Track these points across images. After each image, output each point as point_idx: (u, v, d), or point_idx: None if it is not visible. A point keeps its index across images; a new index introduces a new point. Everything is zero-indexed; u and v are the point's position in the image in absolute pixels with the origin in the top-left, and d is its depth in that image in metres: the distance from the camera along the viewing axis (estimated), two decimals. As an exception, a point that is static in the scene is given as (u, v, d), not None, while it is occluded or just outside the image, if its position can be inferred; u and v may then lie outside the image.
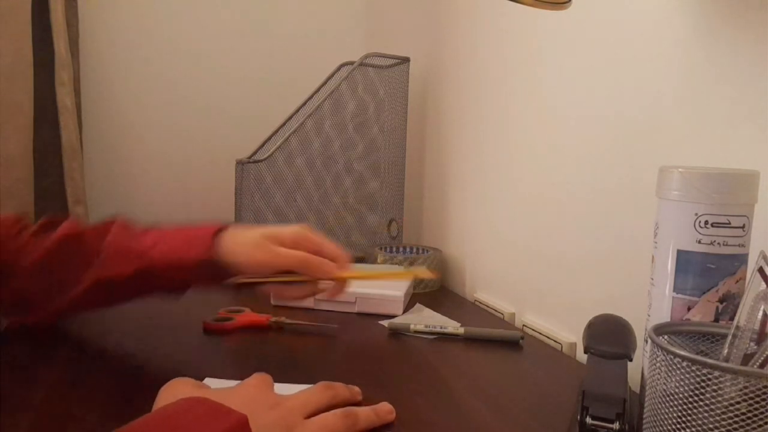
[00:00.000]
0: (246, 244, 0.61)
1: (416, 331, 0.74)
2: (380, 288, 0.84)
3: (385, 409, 0.50)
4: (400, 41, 1.26)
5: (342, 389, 0.52)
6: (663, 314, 0.47)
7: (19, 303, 0.66)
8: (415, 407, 0.54)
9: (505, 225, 0.90)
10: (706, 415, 0.37)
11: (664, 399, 0.39)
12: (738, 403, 0.36)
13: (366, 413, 0.49)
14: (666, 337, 0.45)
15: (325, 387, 0.51)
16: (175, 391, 0.45)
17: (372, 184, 1.10)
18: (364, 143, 1.09)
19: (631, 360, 0.53)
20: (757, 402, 0.35)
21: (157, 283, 0.64)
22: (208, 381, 0.56)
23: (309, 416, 0.46)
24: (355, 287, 0.80)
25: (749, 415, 0.35)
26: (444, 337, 0.73)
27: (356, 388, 0.54)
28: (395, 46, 1.22)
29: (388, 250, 1.04)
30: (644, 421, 0.42)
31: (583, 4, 0.68)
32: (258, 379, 0.50)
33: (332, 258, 0.63)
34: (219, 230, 0.62)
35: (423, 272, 0.69)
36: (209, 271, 0.61)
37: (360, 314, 0.82)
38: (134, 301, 0.67)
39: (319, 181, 1.05)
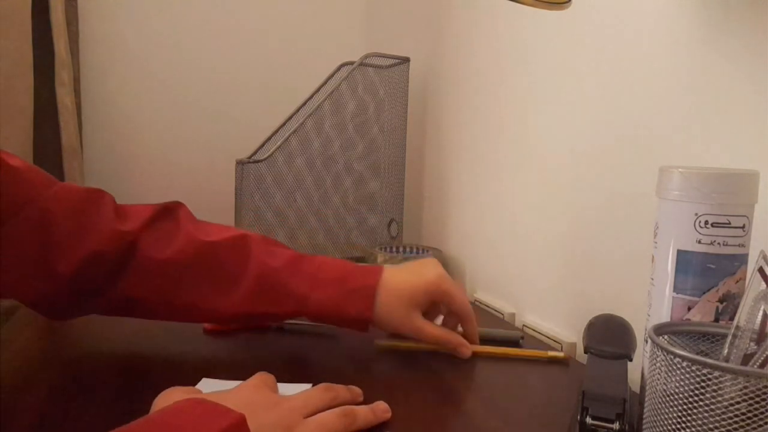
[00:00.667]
0: (395, 313, 0.63)
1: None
2: None
3: (381, 408, 0.51)
4: (400, 41, 1.26)
5: (343, 390, 0.52)
6: (663, 314, 0.47)
7: (137, 299, 0.60)
8: (415, 407, 0.54)
9: (505, 225, 0.90)
10: (706, 415, 0.37)
11: (664, 399, 0.39)
12: (738, 403, 0.36)
13: (364, 412, 0.49)
14: (666, 337, 0.45)
15: (325, 388, 0.51)
16: (170, 399, 0.44)
17: (372, 184, 1.10)
18: (364, 143, 1.09)
19: (631, 360, 0.53)
20: (757, 402, 0.35)
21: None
22: (206, 381, 0.56)
23: (308, 416, 0.46)
24: None
25: (749, 415, 0.35)
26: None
27: (357, 389, 0.54)
28: (395, 46, 1.22)
29: (388, 250, 1.05)
30: (644, 421, 0.42)
31: (583, 4, 0.68)
32: (258, 378, 0.50)
33: (463, 315, 0.66)
34: (376, 285, 0.62)
35: (556, 354, 0.65)
36: (361, 326, 0.64)
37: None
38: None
39: (319, 181, 1.05)
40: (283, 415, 0.44)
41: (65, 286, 0.57)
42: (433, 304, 0.66)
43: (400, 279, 0.63)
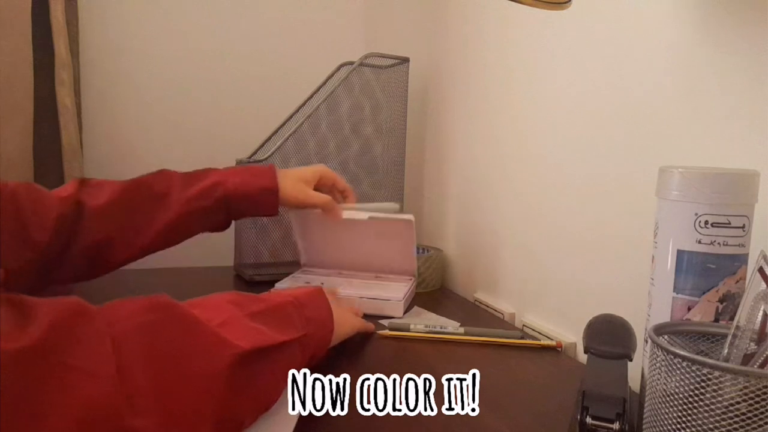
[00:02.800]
0: (294, 186, 0.84)
1: (416, 331, 0.74)
2: (380, 290, 0.86)
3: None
4: (400, 41, 1.26)
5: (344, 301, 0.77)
6: (663, 314, 0.47)
7: (102, 243, 0.69)
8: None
9: (505, 225, 0.90)
10: (706, 415, 0.37)
11: (664, 399, 0.39)
12: (738, 403, 0.36)
13: (368, 325, 0.73)
14: (666, 337, 0.45)
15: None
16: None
17: (371, 184, 1.10)
18: (364, 143, 1.09)
19: (631, 360, 0.53)
20: (757, 402, 0.35)
21: (231, 212, 0.79)
22: None
23: None
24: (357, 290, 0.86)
25: (749, 415, 0.35)
26: (444, 337, 0.73)
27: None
28: (395, 46, 1.22)
29: (388, 250, 1.04)
30: (644, 421, 0.42)
31: (583, 4, 0.68)
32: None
33: (343, 191, 0.91)
34: (275, 169, 0.83)
35: (548, 342, 0.72)
36: (270, 199, 0.80)
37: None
38: (202, 231, 0.80)
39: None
40: (335, 306, 0.64)
41: (43, 251, 0.63)
42: (321, 184, 0.88)
43: (293, 169, 0.87)
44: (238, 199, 0.78)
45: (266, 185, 0.81)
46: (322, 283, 0.88)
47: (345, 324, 0.67)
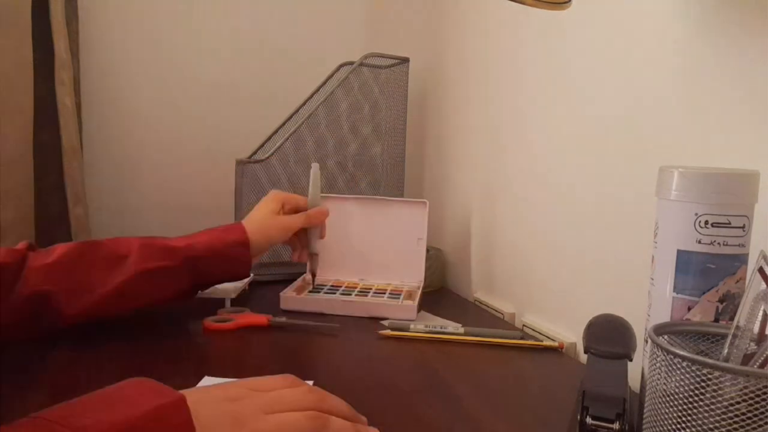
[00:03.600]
0: (263, 222, 0.79)
1: (416, 331, 0.74)
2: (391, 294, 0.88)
3: (370, 429, 0.46)
4: (400, 41, 1.26)
5: (335, 399, 0.46)
6: (663, 314, 0.47)
7: (44, 296, 0.65)
8: (415, 407, 0.54)
9: (505, 225, 0.90)
10: (706, 415, 0.37)
11: (664, 399, 0.39)
12: (738, 403, 0.36)
13: (342, 425, 0.43)
14: (666, 337, 0.45)
15: (310, 390, 0.45)
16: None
17: (371, 184, 1.10)
18: (363, 143, 1.09)
19: (631, 360, 0.53)
20: (757, 402, 0.35)
21: (201, 274, 0.73)
22: (207, 380, 0.56)
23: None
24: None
25: (749, 415, 0.35)
26: (444, 337, 0.73)
27: (363, 418, 0.47)
28: (395, 46, 1.22)
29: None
30: (644, 421, 0.42)
31: (582, 4, 0.68)
32: (269, 378, 0.47)
33: (304, 205, 0.86)
34: (239, 222, 0.78)
35: (550, 343, 0.71)
36: (241, 253, 0.75)
37: (364, 316, 0.83)
38: (165, 299, 0.72)
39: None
40: (237, 409, 0.41)
41: None
42: (289, 207, 0.84)
43: (252, 212, 0.82)
44: (205, 259, 0.73)
45: (236, 238, 0.75)
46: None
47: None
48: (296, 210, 0.85)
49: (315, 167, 0.88)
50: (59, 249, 0.68)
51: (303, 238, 0.87)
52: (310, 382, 0.54)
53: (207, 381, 0.57)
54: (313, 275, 0.89)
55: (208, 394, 0.42)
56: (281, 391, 0.44)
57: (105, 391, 0.39)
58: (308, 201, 0.87)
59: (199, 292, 0.78)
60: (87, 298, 0.67)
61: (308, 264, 0.89)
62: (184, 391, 0.40)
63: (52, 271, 0.65)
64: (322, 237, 0.88)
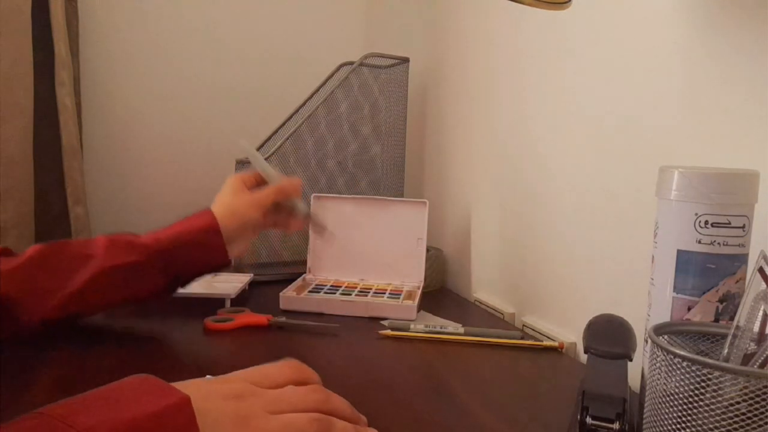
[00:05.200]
0: (231, 203, 0.73)
1: (416, 331, 0.74)
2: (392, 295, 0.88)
3: (370, 431, 0.46)
4: (400, 41, 1.26)
5: (338, 399, 0.46)
6: (663, 314, 0.47)
7: (5, 300, 0.62)
8: (415, 407, 0.54)
9: (505, 225, 0.90)
10: (706, 415, 0.37)
11: (664, 399, 0.39)
12: (738, 403, 0.36)
13: (344, 426, 0.43)
14: (666, 337, 0.45)
15: (313, 389, 0.45)
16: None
17: (369, 183, 1.10)
18: (363, 143, 1.09)
19: (631, 360, 0.53)
20: (757, 402, 0.35)
21: (173, 267, 0.67)
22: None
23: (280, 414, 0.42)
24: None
25: (749, 415, 0.35)
26: (444, 337, 0.73)
27: (363, 418, 0.48)
28: (395, 46, 1.22)
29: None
30: (644, 421, 0.42)
31: (582, 4, 0.68)
32: (274, 365, 0.46)
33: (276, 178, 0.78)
34: (208, 209, 0.72)
35: (551, 343, 0.71)
36: (213, 240, 0.69)
37: (364, 316, 0.83)
38: (137, 297, 0.67)
39: (313, 181, 1.05)
40: (242, 407, 0.41)
41: None
42: (254, 185, 0.78)
43: (217, 196, 0.76)
44: (174, 250, 0.67)
45: (203, 224, 0.69)
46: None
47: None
48: (259, 185, 0.78)
49: (243, 143, 0.80)
50: (27, 252, 0.65)
51: (284, 216, 0.78)
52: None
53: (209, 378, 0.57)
54: (324, 228, 0.85)
55: (213, 390, 0.42)
56: (286, 390, 0.44)
57: (109, 388, 0.38)
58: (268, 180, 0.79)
59: (179, 289, 0.72)
60: (49, 301, 0.64)
61: (311, 227, 0.83)
62: (187, 386, 0.39)
63: (14, 275, 0.63)
64: (323, 235, 0.85)
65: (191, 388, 0.40)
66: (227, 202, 0.74)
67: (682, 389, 0.38)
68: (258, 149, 1.09)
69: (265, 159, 1.00)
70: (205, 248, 0.69)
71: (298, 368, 0.47)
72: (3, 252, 0.66)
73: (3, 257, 0.65)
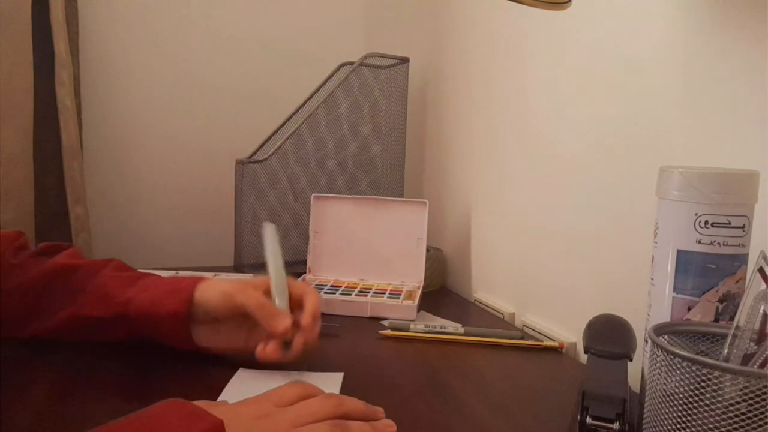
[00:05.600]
0: (222, 282, 0.61)
1: (416, 331, 0.74)
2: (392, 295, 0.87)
3: (385, 424, 0.48)
4: (400, 41, 1.26)
5: (352, 401, 0.48)
6: (663, 314, 0.47)
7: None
8: (415, 407, 0.54)
9: (504, 225, 0.90)
10: (706, 415, 0.37)
11: (664, 399, 0.39)
12: (738, 403, 0.36)
13: (360, 427, 0.45)
14: (666, 337, 0.45)
15: (327, 397, 0.48)
16: None
17: (369, 184, 1.10)
18: (363, 143, 1.09)
19: (631, 360, 0.53)
20: (757, 402, 0.35)
21: (137, 333, 0.62)
22: (242, 373, 0.59)
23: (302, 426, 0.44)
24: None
25: (749, 415, 0.35)
26: (444, 337, 0.73)
27: (379, 408, 0.49)
28: (395, 46, 1.22)
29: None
30: (644, 421, 0.42)
31: (582, 4, 0.68)
32: (283, 388, 0.48)
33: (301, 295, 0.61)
34: (198, 283, 0.61)
35: (550, 343, 0.71)
36: (177, 329, 0.60)
37: (364, 316, 0.83)
38: (113, 342, 0.65)
39: (314, 181, 1.05)
40: (270, 424, 0.43)
41: None
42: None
43: (224, 280, 0.62)
44: (138, 322, 0.61)
45: (173, 309, 0.59)
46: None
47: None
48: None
49: (269, 228, 0.66)
50: (41, 268, 0.64)
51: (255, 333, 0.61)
52: (341, 374, 0.57)
53: (242, 373, 0.58)
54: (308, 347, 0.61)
55: (241, 412, 0.44)
56: (304, 403, 0.47)
57: (143, 414, 0.39)
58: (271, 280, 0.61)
59: None
60: (44, 323, 0.63)
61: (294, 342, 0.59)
62: (216, 408, 0.41)
63: (23, 294, 0.63)
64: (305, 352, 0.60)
65: (220, 410, 0.41)
66: (214, 297, 0.61)
67: (682, 389, 0.38)
68: (258, 149, 1.09)
69: (265, 159, 1.00)
70: (169, 333, 0.61)
71: (303, 386, 0.49)
72: (20, 244, 0.66)
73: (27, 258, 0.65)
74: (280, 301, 0.59)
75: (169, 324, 0.60)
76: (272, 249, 0.62)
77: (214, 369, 0.59)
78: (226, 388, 0.55)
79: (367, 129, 1.09)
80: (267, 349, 0.57)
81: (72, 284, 0.64)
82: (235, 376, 0.58)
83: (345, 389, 0.56)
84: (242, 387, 0.55)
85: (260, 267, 1.00)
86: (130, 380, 0.58)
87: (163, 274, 1.00)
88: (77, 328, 0.63)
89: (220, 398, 0.52)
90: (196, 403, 0.41)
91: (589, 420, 0.44)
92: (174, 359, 0.62)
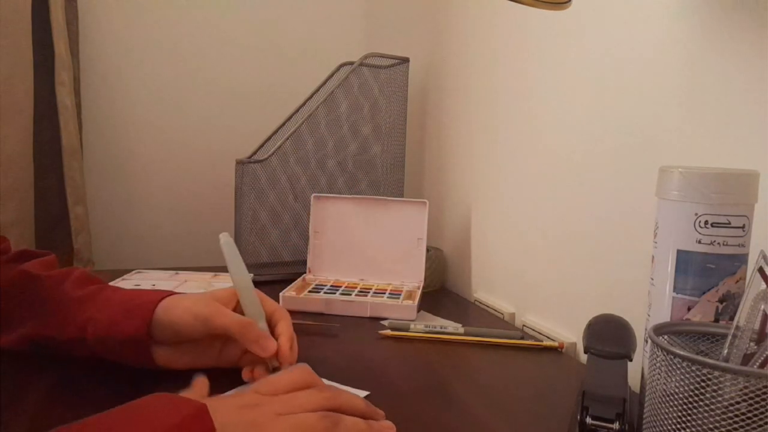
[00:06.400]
0: (188, 300, 0.57)
1: (416, 331, 0.74)
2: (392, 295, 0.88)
3: (385, 424, 0.47)
4: (400, 41, 1.26)
5: (349, 397, 0.47)
6: (663, 314, 0.47)
7: None
8: (415, 407, 0.54)
9: (504, 225, 0.90)
10: (706, 415, 0.37)
11: (664, 399, 0.39)
12: (738, 403, 0.36)
13: (354, 421, 0.44)
14: (666, 337, 0.45)
15: (321, 388, 0.47)
16: None
17: (369, 183, 1.10)
18: (363, 143, 1.09)
19: (631, 360, 0.53)
20: (757, 402, 0.35)
21: (96, 354, 0.58)
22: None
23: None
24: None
25: (749, 415, 0.35)
26: (444, 337, 0.73)
27: (380, 411, 0.48)
28: (395, 46, 1.22)
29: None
30: (644, 421, 0.42)
31: (582, 4, 0.68)
32: (276, 376, 0.47)
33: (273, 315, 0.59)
34: (165, 297, 0.57)
35: (550, 343, 0.71)
36: (136, 350, 0.56)
37: (364, 316, 0.83)
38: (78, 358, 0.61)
39: (314, 181, 1.05)
40: (256, 414, 0.42)
41: None
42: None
43: (187, 297, 0.58)
44: (95, 344, 0.57)
45: (130, 332, 0.55)
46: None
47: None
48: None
49: (224, 237, 0.57)
50: (9, 274, 0.61)
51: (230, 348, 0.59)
52: (363, 393, 0.55)
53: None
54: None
55: (227, 403, 0.43)
56: (294, 393, 0.45)
57: (127, 406, 0.39)
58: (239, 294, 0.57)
59: None
60: (13, 331, 0.61)
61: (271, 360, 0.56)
62: (202, 400, 0.41)
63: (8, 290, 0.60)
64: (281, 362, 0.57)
65: (205, 399, 0.41)
66: (201, 299, 0.58)
67: (682, 389, 0.38)
68: (258, 149, 1.09)
69: (265, 159, 1.00)
70: (128, 356, 0.57)
71: (304, 372, 0.48)
72: (23, 255, 0.64)
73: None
74: (262, 324, 0.56)
75: (127, 348, 0.56)
76: (235, 262, 0.56)
77: (179, 377, 0.58)
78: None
79: (367, 129, 1.09)
80: (255, 374, 0.55)
81: (31, 296, 0.61)
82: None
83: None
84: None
85: (260, 267, 1.01)
86: (122, 387, 0.58)
87: (164, 274, 1.01)
88: (37, 345, 0.60)
89: None
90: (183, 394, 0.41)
91: (589, 420, 0.44)
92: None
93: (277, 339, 0.56)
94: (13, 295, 0.61)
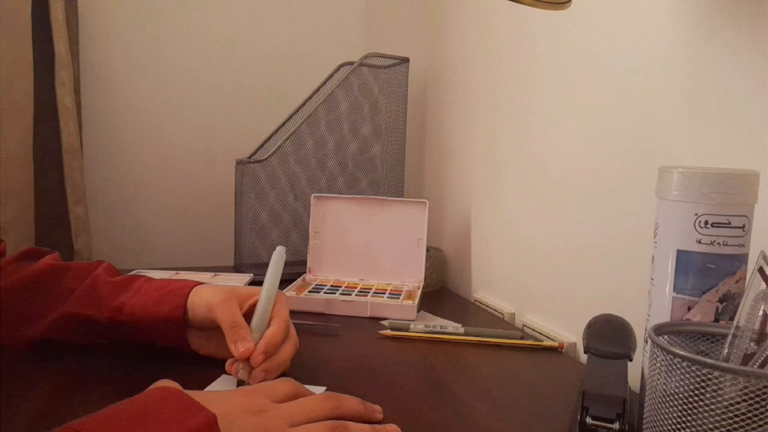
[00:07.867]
0: (210, 289, 0.60)
1: (416, 331, 0.74)
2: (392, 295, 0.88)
3: (389, 428, 0.47)
4: (400, 41, 1.26)
5: (350, 401, 0.48)
6: (663, 314, 0.47)
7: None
8: (415, 407, 0.54)
9: (504, 225, 0.90)
10: (706, 415, 0.37)
11: (664, 399, 0.39)
12: (738, 403, 0.36)
13: (361, 429, 0.45)
14: (666, 337, 0.45)
15: (325, 397, 0.48)
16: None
17: (369, 183, 1.10)
18: (363, 143, 1.09)
19: (631, 360, 0.53)
20: (757, 402, 0.35)
21: (129, 335, 0.62)
22: (225, 378, 0.58)
23: (297, 426, 0.43)
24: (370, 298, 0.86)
25: (749, 415, 0.35)
26: (444, 337, 0.73)
27: (377, 407, 0.50)
28: (395, 46, 1.22)
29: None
30: (644, 421, 0.42)
31: (582, 4, 0.68)
32: (275, 382, 0.49)
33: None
34: (194, 286, 0.61)
35: (550, 343, 0.71)
36: (175, 329, 0.60)
37: (364, 316, 0.83)
38: (107, 341, 0.64)
39: (314, 181, 1.05)
40: (264, 423, 0.42)
41: None
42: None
43: (215, 287, 0.61)
44: (130, 326, 0.60)
45: (167, 314, 0.59)
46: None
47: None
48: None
49: (280, 249, 0.63)
50: (29, 270, 0.63)
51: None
52: (323, 389, 0.55)
53: (224, 379, 0.58)
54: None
55: (235, 405, 0.43)
56: (300, 401, 0.46)
57: (135, 401, 0.38)
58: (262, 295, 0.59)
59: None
60: (36, 326, 0.63)
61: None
62: (208, 399, 0.41)
63: (12, 295, 0.62)
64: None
65: (211, 398, 0.41)
66: (223, 291, 0.61)
67: (682, 389, 0.38)
68: (258, 149, 1.09)
69: (265, 159, 1.00)
70: (165, 336, 0.61)
71: (294, 384, 0.49)
72: (28, 254, 0.66)
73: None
74: (257, 335, 0.56)
75: (164, 327, 0.59)
76: (275, 273, 0.60)
77: (179, 377, 0.59)
78: (207, 389, 0.55)
79: (367, 129, 1.09)
80: (232, 369, 0.55)
81: (65, 284, 0.63)
82: (217, 380, 0.57)
83: (345, 389, 0.56)
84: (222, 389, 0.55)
85: (260, 267, 1.01)
86: (127, 378, 0.58)
87: (163, 274, 1.01)
88: (69, 326, 0.62)
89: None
90: (189, 393, 0.41)
91: (589, 420, 0.44)
92: (175, 359, 0.62)
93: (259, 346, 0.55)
94: (43, 286, 0.64)
